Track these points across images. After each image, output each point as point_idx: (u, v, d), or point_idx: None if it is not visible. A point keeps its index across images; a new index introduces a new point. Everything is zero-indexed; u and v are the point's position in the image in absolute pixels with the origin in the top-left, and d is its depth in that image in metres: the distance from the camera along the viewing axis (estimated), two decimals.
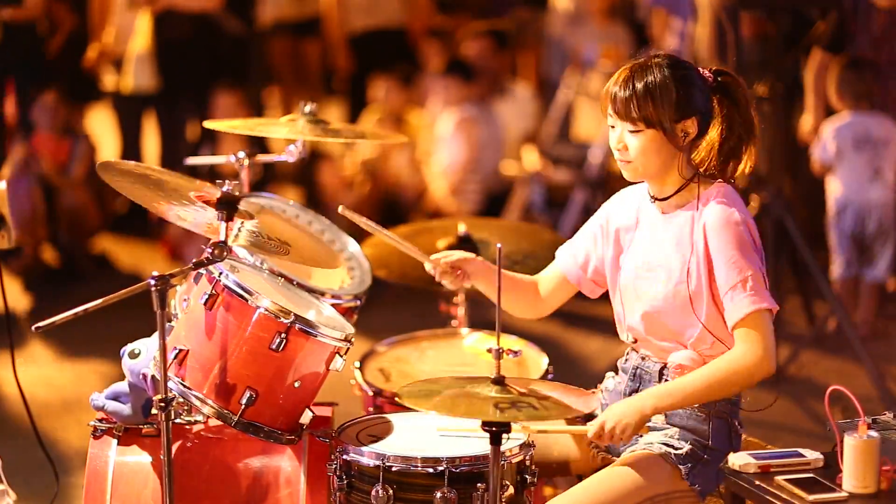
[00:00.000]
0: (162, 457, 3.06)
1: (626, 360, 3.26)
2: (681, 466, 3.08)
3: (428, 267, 3.39)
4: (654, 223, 3.20)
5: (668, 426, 3.14)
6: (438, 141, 7.77)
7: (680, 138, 3.09)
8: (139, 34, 8.16)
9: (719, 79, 3.15)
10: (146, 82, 8.17)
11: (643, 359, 3.21)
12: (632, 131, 3.09)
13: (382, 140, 4.10)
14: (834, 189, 6.27)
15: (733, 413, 3.16)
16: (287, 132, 3.92)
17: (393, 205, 7.96)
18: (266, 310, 3.16)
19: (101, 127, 9.56)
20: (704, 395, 3.01)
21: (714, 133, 3.12)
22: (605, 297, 3.35)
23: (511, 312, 3.43)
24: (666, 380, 3.14)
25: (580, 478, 3.28)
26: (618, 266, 3.26)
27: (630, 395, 3.19)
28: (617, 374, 3.30)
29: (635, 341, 3.22)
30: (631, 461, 3.11)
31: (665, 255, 3.13)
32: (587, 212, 7.25)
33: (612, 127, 3.13)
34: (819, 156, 6.25)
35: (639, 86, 3.07)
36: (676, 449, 3.10)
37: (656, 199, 3.18)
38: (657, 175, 3.14)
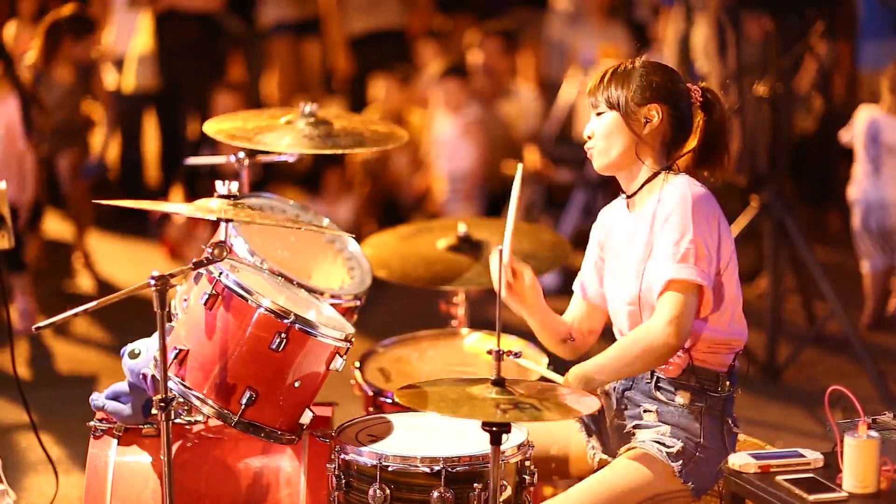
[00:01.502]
0: (162, 457, 3.06)
1: None
2: (673, 464, 3.09)
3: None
4: (624, 222, 3.23)
5: (660, 424, 3.15)
6: (440, 144, 7.76)
7: (640, 123, 3.12)
8: (141, 34, 8.16)
9: (707, 96, 3.18)
10: (148, 82, 8.17)
11: None
12: (598, 114, 3.16)
13: (381, 146, 4.06)
14: (854, 182, 6.40)
15: (726, 411, 3.16)
16: (285, 141, 3.89)
17: (393, 205, 7.97)
18: (266, 310, 3.16)
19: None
20: (625, 369, 3.10)
21: (691, 142, 3.17)
22: None
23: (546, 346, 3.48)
24: (658, 377, 3.15)
25: (580, 479, 3.28)
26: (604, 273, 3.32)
27: (622, 393, 3.22)
28: None
29: None
30: (627, 462, 3.12)
31: (634, 251, 3.16)
32: (588, 212, 7.25)
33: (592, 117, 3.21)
34: (844, 137, 6.39)
35: (609, 73, 3.16)
36: (668, 447, 3.10)
37: (626, 196, 3.21)
38: (620, 164, 3.17)
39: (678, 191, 3.07)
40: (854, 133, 6.29)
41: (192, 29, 8.00)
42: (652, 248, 3.09)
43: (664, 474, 3.09)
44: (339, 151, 3.93)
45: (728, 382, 3.13)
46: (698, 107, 3.18)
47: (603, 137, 3.15)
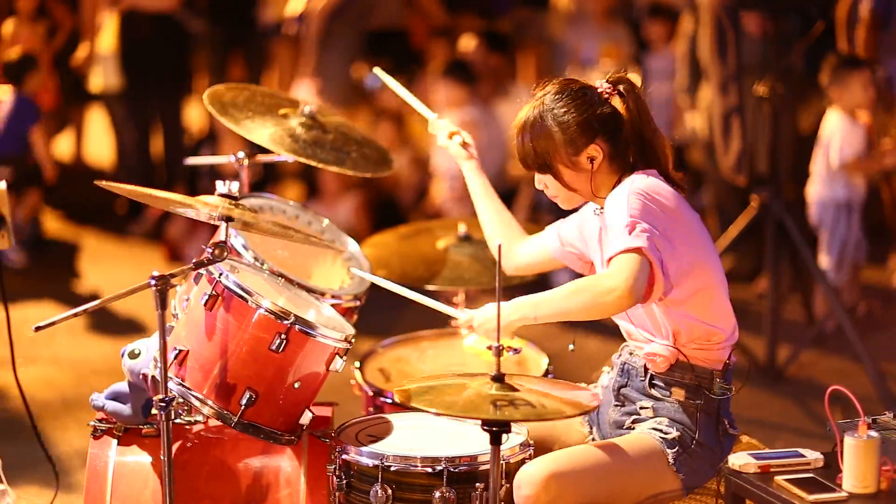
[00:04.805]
0: (162, 457, 3.06)
1: (619, 355, 3.30)
2: (669, 451, 3.10)
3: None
4: (592, 223, 3.28)
5: (657, 416, 3.16)
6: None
7: (587, 167, 3.14)
8: (106, 34, 8.22)
9: (619, 87, 3.17)
10: (112, 81, 8.23)
11: (630, 353, 3.25)
12: (542, 174, 3.19)
13: (360, 171, 4.04)
14: None
15: (722, 409, 3.16)
16: (267, 133, 3.88)
17: (393, 205, 7.96)
18: (266, 310, 3.16)
19: (102, 126, 9.57)
20: (566, 304, 3.00)
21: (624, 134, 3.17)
22: None
23: (485, 232, 3.63)
24: (651, 374, 3.17)
25: None
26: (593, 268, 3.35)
27: (618, 389, 3.24)
28: (612, 368, 3.32)
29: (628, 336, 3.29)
30: (625, 440, 3.13)
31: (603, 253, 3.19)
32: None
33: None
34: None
35: (526, 141, 3.16)
36: (665, 434, 3.12)
37: (601, 208, 3.24)
38: (589, 197, 3.21)
39: (620, 187, 3.10)
40: None
41: (150, 29, 8.02)
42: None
43: (659, 459, 3.10)
44: (314, 164, 3.90)
45: (721, 381, 3.13)
46: (615, 96, 3.16)
47: (560, 192, 3.20)
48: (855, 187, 6.16)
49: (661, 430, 3.13)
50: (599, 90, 3.17)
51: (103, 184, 3.27)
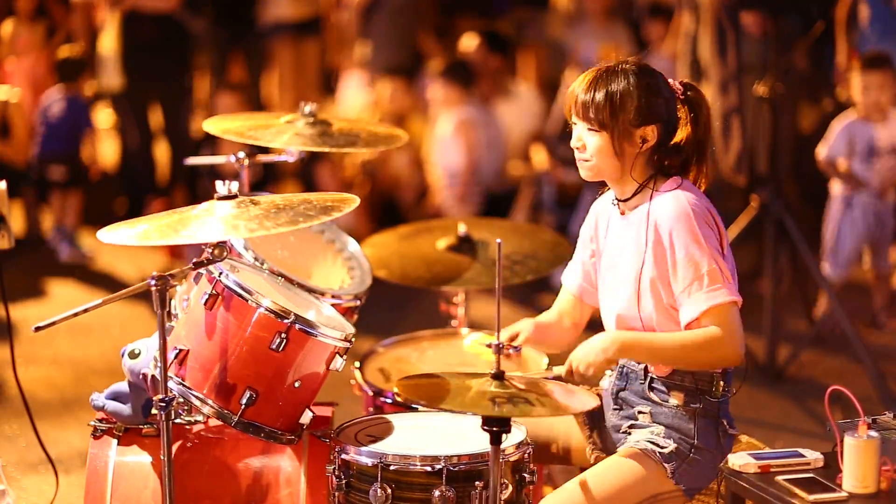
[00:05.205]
0: (162, 457, 3.06)
1: None
2: (665, 465, 3.09)
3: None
4: (616, 225, 3.24)
5: (654, 424, 3.15)
6: (437, 141, 7.78)
7: (637, 144, 3.13)
8: (107, 35, 8.25)
9: (688, 93, 3.19)
10: (111, 82, 8.27)
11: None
12: (590, 129, 3.14)
13: (373, 146, 4.06)
14: None
15: (722, 411, 3.16)
16: (280, 138, 3.89)
17: (393, 205, 7.97)
18: (266, 310, 3.16)
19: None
20: (672, 356, 3.06)
21: (677, 138, 3.17)
22: None
23: (553, 351, 3.51)
24: (651, 377, 3.17)
25: (581, 469, 3.29)
26: (597, 272, 3.32)
27: (616, 393, 3.24)
28: (613, 372, 3.31)
29: None
30: (620, 460, 3.13)
31: (625, 256, 3.17)
32: None
33: (574, 124, 3.18)
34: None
35: (601, 89, 3.12)
36: (661, 447, 3.11)
37: (619, 200, 3.22)
38: (613, 177, 3.18)
39: (673, 205, 3.08)
40: None
41: (151, 29, 8.04)
42: (647, 262, 3.10)
43: (657, 474, 3.10)
44: (331, 150, 3.93)
45: (722, 383, 3.13)
46: (681, 101, 3.18)
47: (599, 156, 3.14)
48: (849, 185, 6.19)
49: (657, 444, 3.12)
50: (673, 87, 3.19)
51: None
